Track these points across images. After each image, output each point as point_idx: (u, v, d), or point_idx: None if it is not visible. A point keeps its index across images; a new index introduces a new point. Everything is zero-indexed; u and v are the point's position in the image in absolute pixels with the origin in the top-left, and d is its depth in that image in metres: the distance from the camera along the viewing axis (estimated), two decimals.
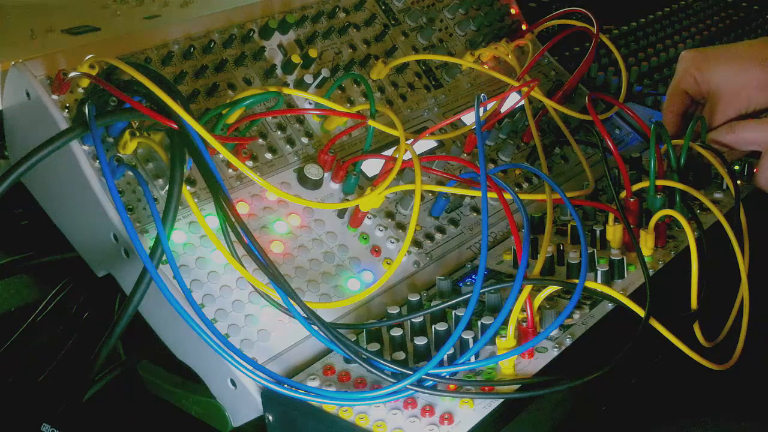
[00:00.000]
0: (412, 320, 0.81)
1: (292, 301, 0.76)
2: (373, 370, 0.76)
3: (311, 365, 0.80)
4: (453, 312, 0.81)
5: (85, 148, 0.82)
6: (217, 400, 0.83)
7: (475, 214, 1.03)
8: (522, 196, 0.95)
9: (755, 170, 1.07)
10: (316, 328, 0.77)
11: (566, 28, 1.22)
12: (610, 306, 0.85)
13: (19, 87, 0.85)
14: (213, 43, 0.96)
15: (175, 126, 0.78)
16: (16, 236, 1.03)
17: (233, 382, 0.79)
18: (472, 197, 1.03)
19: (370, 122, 0.96)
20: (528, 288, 0.79)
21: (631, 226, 0.93)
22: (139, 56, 0.91)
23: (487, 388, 0.74)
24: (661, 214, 0.92)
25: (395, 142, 1.00)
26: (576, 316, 0.84)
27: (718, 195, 1.07)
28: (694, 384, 0.89)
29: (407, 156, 0.93)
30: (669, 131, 1.06)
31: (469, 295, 0.78)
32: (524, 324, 0.80)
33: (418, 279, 0.94)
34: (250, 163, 0.92)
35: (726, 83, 1.12)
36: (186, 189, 0.80)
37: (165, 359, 0.87)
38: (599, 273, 0.87)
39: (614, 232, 0.94)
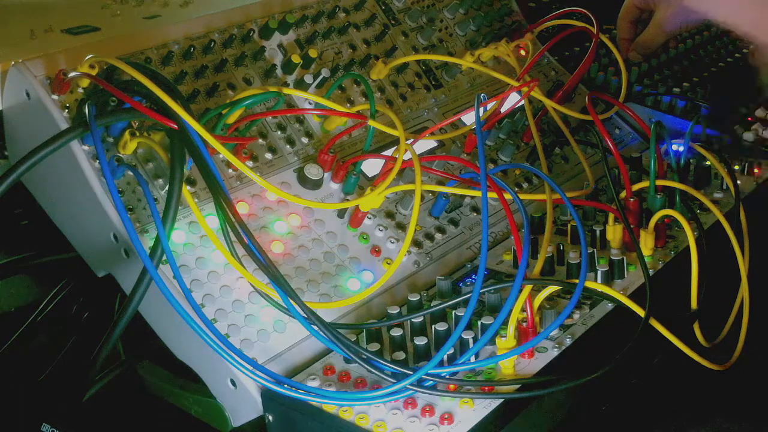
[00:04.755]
0: (412, 320, 0.81)
1: (292, 301, 0.76)
2: (373, 370, 0.76)
3: (311, 365, 0.80)
4: (453, 312, 0.81)
5: (85, 148, 0.82)
6: (217, 400, 0.83)
7: (475, 214, 1.03)
8: (522, 196, 0.95)
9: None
10: (316, 328, 0.77)
11: (566, 28, 1.22)
12: (610, 306, 0.85)
13: (19, 87, 0.85)
14: (213, 43, 0.96)
15: (175, 126, 0.78)
16: (16, 236, 1.02)
17: (233, 382, 0.79)
18: (472, 197, 1.03)
19: (370, 122, 0.96)
20: (528, 288, 0.79)
21: (631, 226, 0.93)
22: (139, 56, 0.91)
23: (487, 388, 0.74)
24: (661, 214, 0.92)
25: (395, 142, 1.00)
26: (576, 316, 0.84)
27: (718, 195, 1.07)
28: (694, 384, 0.89)
29: (407, 156, 0.93)
30: (619, 36, 1.37)
31: (469, 295, 0.78)
32: (524, 324, 0.80)
33: (418, 279, 0.94)
34: (250, 163, 0.92)
35: None
36: (186, 189, 0.80)
37: (165, 359, 0.87)
38: (599, 273, 0.87)
39: (614, 232, 0.94)
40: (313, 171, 0.94)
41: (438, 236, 0.98)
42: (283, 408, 0.77)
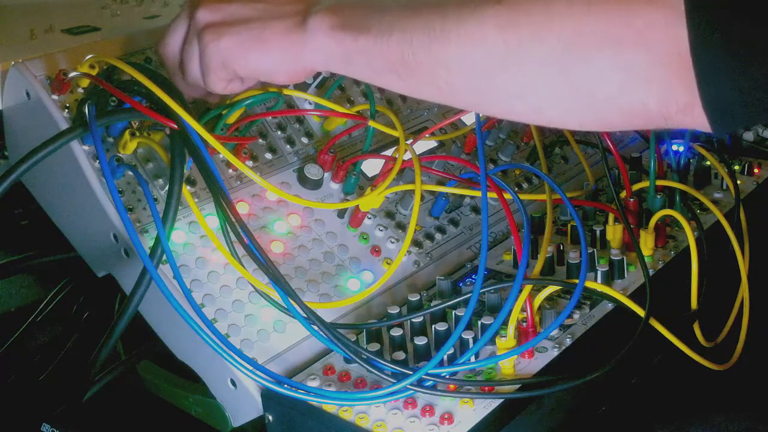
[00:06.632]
0: (412, 320, 0.81)
1: (292, 301, 0.76)
2: (373, 370, 0.76)
3: (311, 365, 0.80)
4: (453, 312, 0.81)
5: (85, 148, 0.82)
6: (217, 400, 0.83)
7: (475, 214, 1.03)
8: (522, 196, 0.95)
9: None
10: (316, 328, 0.77)
11: None
12: (610, 306, 0.85)
13: (19, 87, 0.85)
14: None
15: (175, 126, 0.78)
16: (16, 236, 1.03)
17: (233, 382, 0.79)
18: (472, 197, 1.03)
19: (370, 123, 0.96)
20: (528, 288, 0.80)
21: (631, 226, 0.93)
22: (139, 56, 0.91)
23: (487, 388, 0.74)
24: (661, 214, 0.92)
25: (395, 142, 1.00)
26: (576, 316, 0.84)
27: (718, 195, 1.07)
28: (694, 384, 0.89)
29: (407, 156, 0.93)
30: None
31: (469, 295, 0.78)
32: (524, 324, 0.80)
33: (418, 279, 0.94)
34: (250, 163, 0.92)
35: None
36: (186, 189, 0.80)
37: (165, 359, 0.87)
38: (599, 273, 0.87)
39: (614, 232, 0.94)
40: (313, 171, 0.94)
41: (438, 236, 0.98)
42: (283, 408, 0.77)
